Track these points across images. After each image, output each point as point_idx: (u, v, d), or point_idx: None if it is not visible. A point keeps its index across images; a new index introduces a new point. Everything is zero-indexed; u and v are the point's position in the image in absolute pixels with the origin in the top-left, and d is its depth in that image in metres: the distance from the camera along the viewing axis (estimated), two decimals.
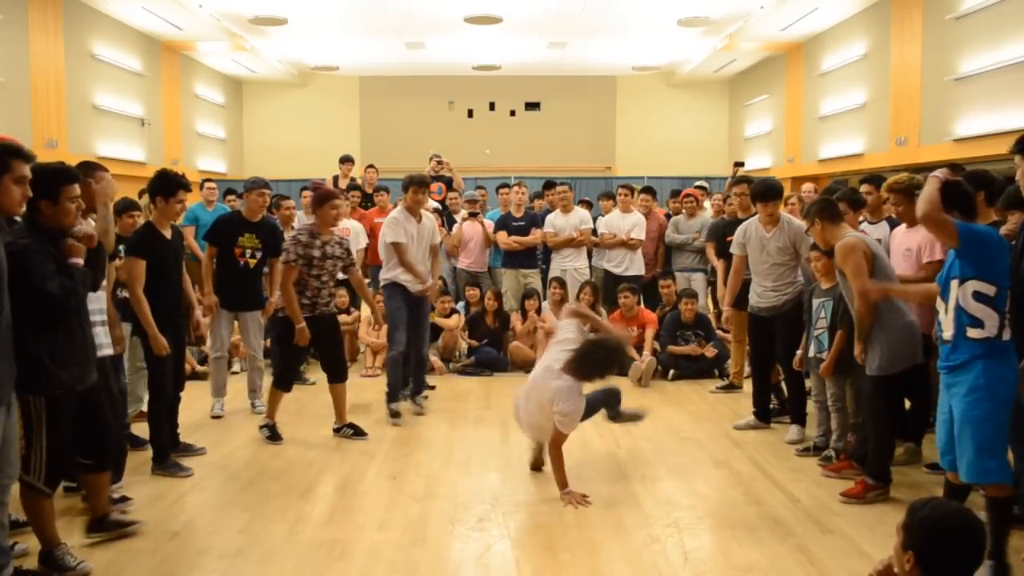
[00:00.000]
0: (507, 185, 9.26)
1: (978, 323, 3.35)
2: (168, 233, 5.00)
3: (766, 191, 5.62)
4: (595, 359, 4.44)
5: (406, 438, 5.67)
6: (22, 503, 3.51)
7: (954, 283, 3.41)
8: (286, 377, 5.60)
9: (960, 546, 2.21)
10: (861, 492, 4.39)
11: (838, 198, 5.40)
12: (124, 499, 4.30)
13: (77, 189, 3.44)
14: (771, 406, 5.99)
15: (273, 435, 5.53)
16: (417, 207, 6.23)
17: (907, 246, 4.90)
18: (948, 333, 3.45)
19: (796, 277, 5.64)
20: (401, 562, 3.64)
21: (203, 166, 14.75)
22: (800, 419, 5.61)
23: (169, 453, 4.95)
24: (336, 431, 5.68)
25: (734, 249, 5.91)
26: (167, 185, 4.95)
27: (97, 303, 3.99)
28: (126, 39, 12.13)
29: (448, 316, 8.13)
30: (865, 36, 11.43)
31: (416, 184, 6.19)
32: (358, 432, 5.64)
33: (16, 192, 3.11)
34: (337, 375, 5.65)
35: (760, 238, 5.64)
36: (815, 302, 5.22)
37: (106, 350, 4.20)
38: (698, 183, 10.41)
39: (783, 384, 5.96)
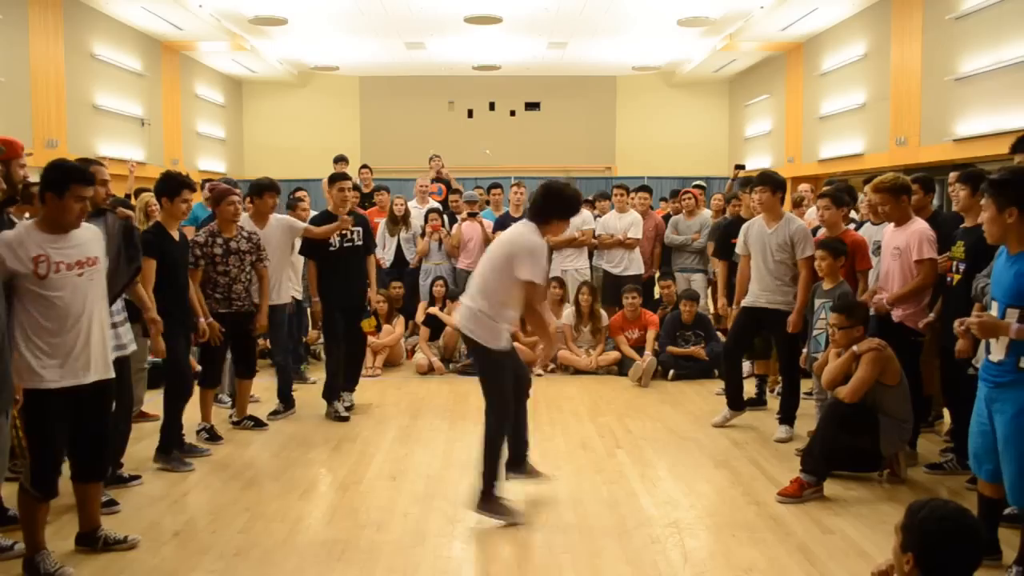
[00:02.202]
0: (498, 186, 9.26)
1: None
2: (176, 234, 5.03)
3: (747, 180, 5.69)
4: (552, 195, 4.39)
5: (406, 438, 5.67)
6: (17, 502, 3.52)
7: (1011, 311, 3.26)
8: (212, 375, 5.58)
9: (959, 547, 2.21)
10: (797, 491, 4.38)
11: (822, 195, 5.48)
12: (112, 503, 4.20)
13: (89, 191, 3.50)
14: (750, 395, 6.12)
15: (211, 436, 5.51)
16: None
17: (895, 244, 4.92)
18: (997, 357, 3.30)
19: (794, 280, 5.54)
20: (401, 562, 3.64)
21: (203, 166, 14.73)
22: (789, 420, 5.62)
23: (173, 447, 4.99)
24: (236, 424, 5.83)
25: (739, 249, 5.87)
26: (171, 185, 4.99)
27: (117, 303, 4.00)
28: (126, 39, 12.12)
29: None
30: (865, 36, 11.42)
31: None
32: (258, 423, 5.85)
33: None
34: (245, 371, 5.81)
35: (761, 234, 5.60)
36: (816, 302, 5.22)
37: (116, 352, 4.18)
38: (696, 183, 10.39)
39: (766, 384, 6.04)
